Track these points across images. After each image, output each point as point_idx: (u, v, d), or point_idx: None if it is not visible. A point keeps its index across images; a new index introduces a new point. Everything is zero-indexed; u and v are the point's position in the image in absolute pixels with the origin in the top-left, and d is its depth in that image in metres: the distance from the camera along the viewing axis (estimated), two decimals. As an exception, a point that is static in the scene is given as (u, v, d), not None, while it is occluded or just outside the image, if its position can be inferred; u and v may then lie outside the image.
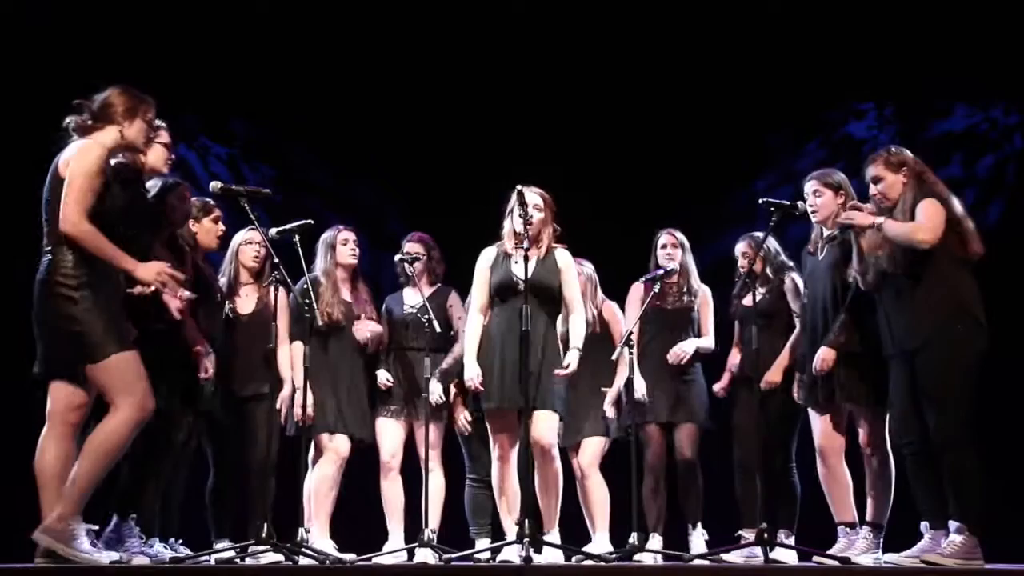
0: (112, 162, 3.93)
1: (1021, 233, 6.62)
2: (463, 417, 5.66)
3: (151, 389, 3.89)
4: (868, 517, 4.77)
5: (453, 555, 4.93)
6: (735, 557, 5.13)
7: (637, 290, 5.65)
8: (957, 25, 6.87)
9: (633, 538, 5.08)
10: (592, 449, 5.60)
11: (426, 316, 5.31)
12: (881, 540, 4.74)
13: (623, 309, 5.78)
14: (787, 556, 5.03)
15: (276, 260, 4.81)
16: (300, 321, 5.23)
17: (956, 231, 4.40)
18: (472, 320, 4.98)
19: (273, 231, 4.93)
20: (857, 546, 4.71)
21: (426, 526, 5.17)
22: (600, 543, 5.48)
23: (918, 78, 7.14)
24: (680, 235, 5.75)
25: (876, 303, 4.59)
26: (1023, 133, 7.11)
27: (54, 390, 3.92)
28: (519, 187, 4.78)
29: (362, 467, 5.77)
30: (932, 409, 4.33)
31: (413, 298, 5.67)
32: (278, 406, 5.30)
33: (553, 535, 4.77)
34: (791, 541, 5.22)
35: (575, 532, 5.45)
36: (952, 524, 4.28)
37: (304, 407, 5.01)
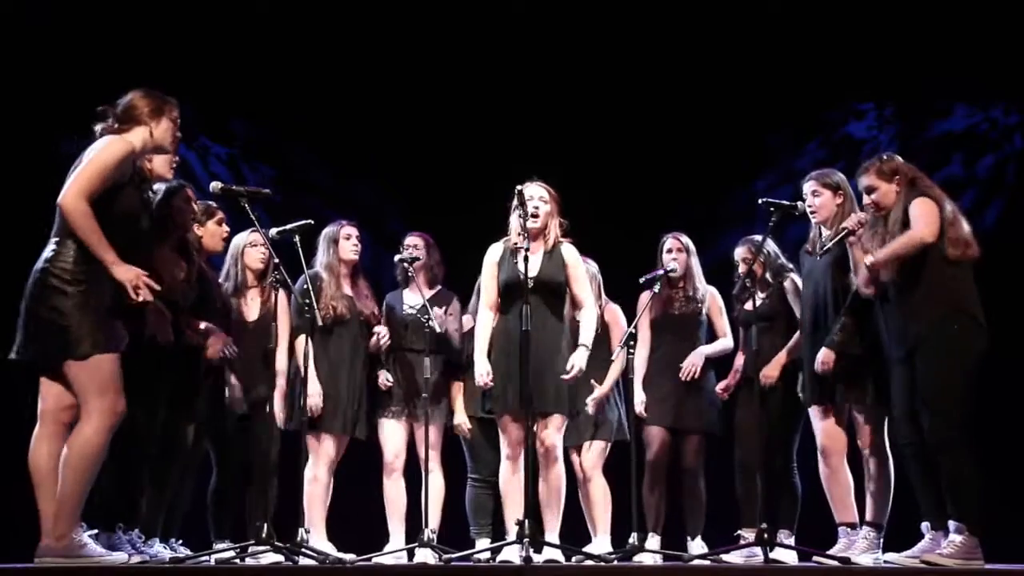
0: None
1: (1021, 233, 6.62)
2: (463, 424, 5.66)
3: (124, 394, 3.84)
4: (868, 517, 4.77)
5: (453, 555, 4.94)
6: (735, 557, 5.13)
7: (645, 297, 5.63)
8: (957, 25, 6.87)
9: (633, 538, 5.09)
10: (594, 452, 5.59)
11: (426, 317, 5.31)
12: (881, 540, 4.74)
13: (624, 310, 5.79)
14: (787, 556, 5.03)
15: (276, 260, 4.81)
16: (301, 321, 5.24)
17: (947, 234, 4.40)
18: (482, 317, 4.93)
19: (273, 231, 4.93)
20: (857, 546, 4.71)
21: (426, 526, 5.17)
22: (601, 545, 5.48)
23: (918, 78, 7.14)
24: (685, 239, 5.75)
25: (877, 304, 4.59)
26: (1023, 133, 7.11)
27: (45, 389, 3.91)
28: (519, 187, 4.78)
29: (362, 467, 5.77)
30: (927, 409, 4.33)
31: (413, 298, 5.67)
32: (277, 408, 5.31)
33: (553, 535, 4.77)
34: (791, 541, 5.22)
35: (575, 532, 5.45)
36: (951, 524, 4.28)
37: (308, 397, 5.01)
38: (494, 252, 4.97)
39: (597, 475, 5.59)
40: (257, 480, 5.24)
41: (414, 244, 5.77)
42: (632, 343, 5.31)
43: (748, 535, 5.16)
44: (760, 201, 4.85)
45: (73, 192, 3.77)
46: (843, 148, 7.44)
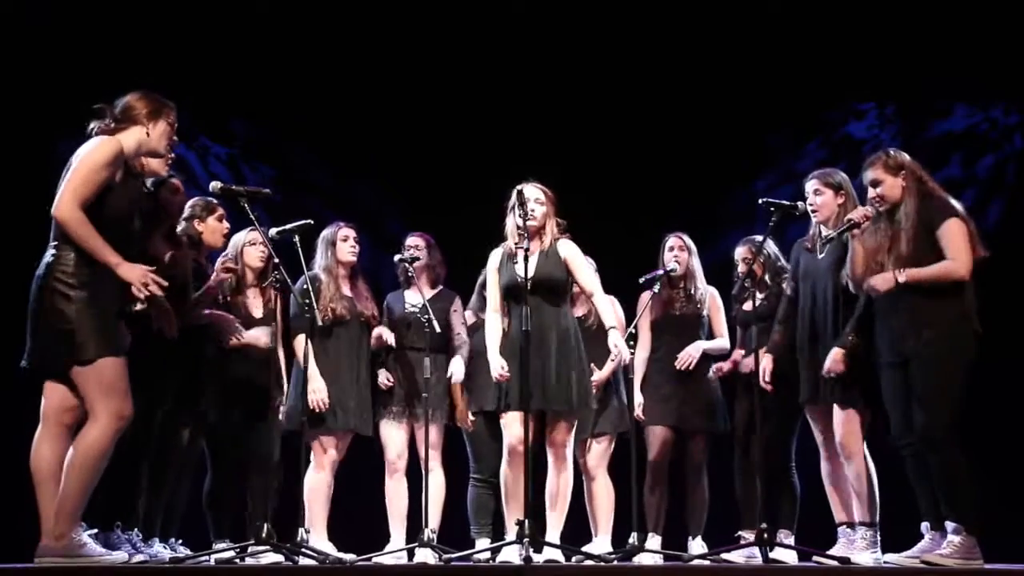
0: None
1: (1021, 233, 6.62)
2: (465, 414, 5.67)
3: (131, 398, 3.85)
4: (858, 517, 4.76)
5: (453, 555, 4.94)
6: (735, 557, 5.13)
7: (645, 298, 5.63)
8: (957, 25, 6.87)
9: (633, 538, 5.09)
10: (597, 449, 5.59)
11: (426, 316, 5.31)
12: (878, 537, 4.74)
13: (624, 311, 5.80)
14: (787, 556, 5.03)
15: (276, 260, 4.81)
16: (300, 321, 5.24)
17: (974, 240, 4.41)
18: (491, 321, 4.96)
19: (273, 231, 4.93)
20: (856, 546, 4.71)
21: (426, 526, 5.17)
22: (601, 544, 5.48)
23: (918, 78, 7.13)
24: (688, 239, 5.75)
25: (871, 306, 4.59)
26: (1023, 133, 7.11)
27: (48, 390, 3.91)
28: (518, 187, 4.78)
29: (362, 467, 5.77)
30: (920, 409, 4.33)
31: (414, 298, 5.67)
32: (278, 404, 5.31)
33: (555, 536, 4.77)
34: (791, 541, 5.21)
35: (575, 532, 5.45)
36: (949, 525, 4.28)
37: (312, 393, 5.01)
38: (494, 258, 5.00)
39: (602, 473, 5.59)
40: (258, 480, 5.23)
41: (415, 244, 5.77)
42: (632, 343, 5.31)
43: (748, 536, 5.16)
44: (760, 201, 4.85)
45: (66, 201, 3.77)
46: (843, 148, 7.44)
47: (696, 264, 5.77)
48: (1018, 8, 6.71)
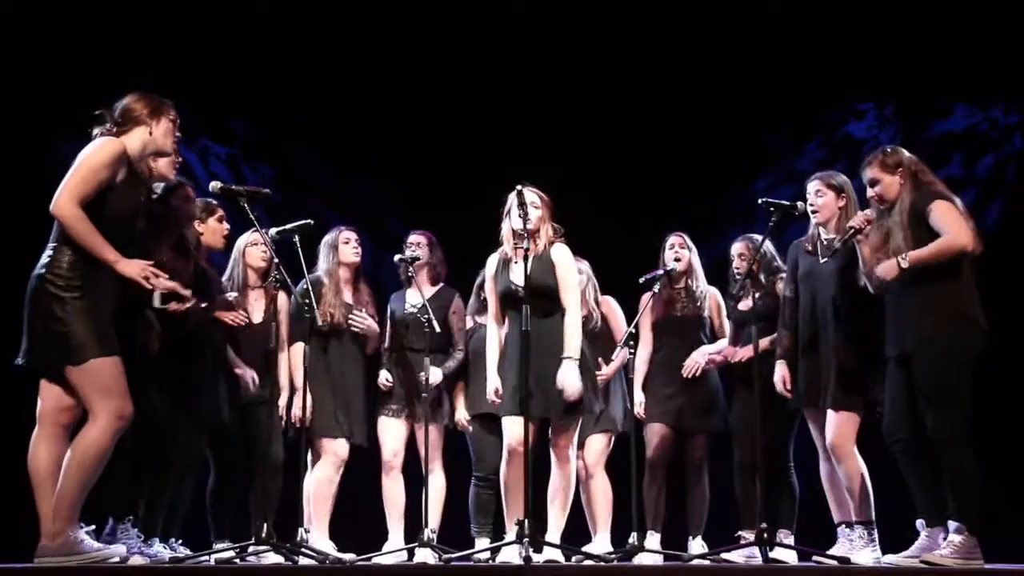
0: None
1: (1021, 233, 6.62)
2: (463, 418, 5.68)
3: (130, 396, 3.85)
4: (854, 517, 4.77)
5: (453, 555, 4.94)
6: (735, 557, 5.13)
7: (646, 298, 5.63)
8: (957, 25, 6.87)
9: (633, 538, 5.09)
10: (596, 447, 5.60)
11: (426, 316, 5.31)
12: (876, 535, 4.74)
13: (624, 311, 5.81)
14: (787, 556, 5.03)
15: (276, 261, 4.81)
16: (300, 321, 5.24)
17: None
18: (490, 331, 4.98)
19: (273, 231, 4.93)
20: (855, 545, 4.71)
21: (426, 526, 5.17)
22: (601, 543, 5.48)
23: (918, 78, 7.13)
24: (688, 239, 5.76)
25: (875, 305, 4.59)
26: (1023, 133, 7.11)
27: (44, 391, 3.91)
28: (518, 187, 4.78)
29: (362, 467, 5.77)
30: (929, 409, 4.33)
31: (415, 298, 5.67)
32: (280, 412, 5.33)
33: (553, 535, 4.77)
34: (791, 541, 5.21)
35: (575, 532, 5.45)
36: (951, 524, 4.28)
37: (304, 409, 5.02)
38: (490, 265, 5.01)
39: (599, 472, 5.60)
40: (258, 480, 5.24)
41: (417, 243, 5.78)
42: (632, 342, 5.31)
43: (748, 536, 5.16)
44: (760, 201, 4.85)
45: (64, 198, 3.77)
46: (843, 148, 7.44)
47: (697, 263, 5.77)
48: (1018, 8, 6.71)
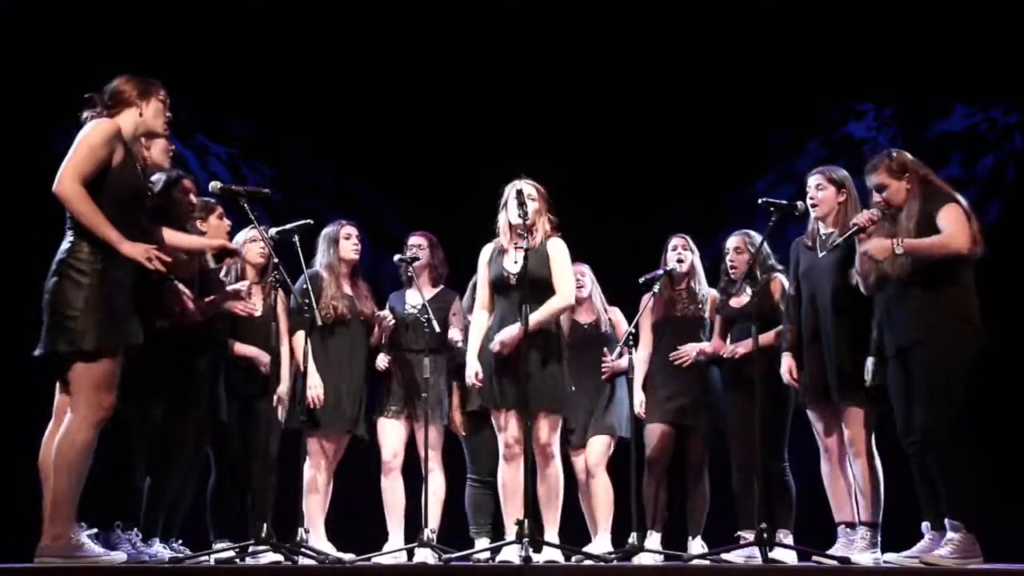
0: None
1: (1021, 233, 6.62)
2: (458, 419, 5.68)
3: (115, 392, 3.83)
4: (862, 517, 4.76)
5: (452, 555, 4.94)
6: (735, 557, 5.13)
7: (647, 299, 5.64)
8: (957, 25, 6.87)
9: (633, 538, 5.09)
10: (597, 448, 5.60)
11: (426, 317, 5.31)
12: (879, 538, 4.73)
13: (624, 311, 5.82)
14: (786, 556, 5.02)
15: (276, 260, 4.81)
16: (300, 317, 5.24)
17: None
18: (476, 318, 4.98)
19: (273, 231, 4.93)
20: (856, 545, 4.71)
21: (425, 526, 5.17)
22: (601, 544, 5.48)
23: (918, 78, 7.13)
24: (691, 241, 5.76)
25: (874, 304, 4.58)
26: (1023, 133, 7.11)
27: (59, 386, 3.89)
28: (516, 182, 4.78)
29: (362, 467, 5.77)
30: (922, 407, 4.33)
31: (415, 298, 5.67)
32: (283, 401, 5.33)
33: (553, 535, 4.77)
34: (790, 541, 5.21)
35: (575, 532, 5.45)
36: (948, 523, 4.28)
37: (309, 389, 5.03)
38: (485, 253, 5.01)
39: (601, 472, 5.60)
40: (257, 479, 5.23)
41: (417, 244, 5.78)
42: (632, 342, 5.32)
43: (748, 536, 5.16)
44: (760, 201, 4.84)
45: (66, 177, 3.77)
46: (843, 148, 7.44)
47: (698, 265, 5.77)
48: (1018, 8, 6.71)
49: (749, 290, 5.04)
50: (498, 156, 6.80)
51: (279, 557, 4.76)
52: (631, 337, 5.39)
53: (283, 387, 5.37)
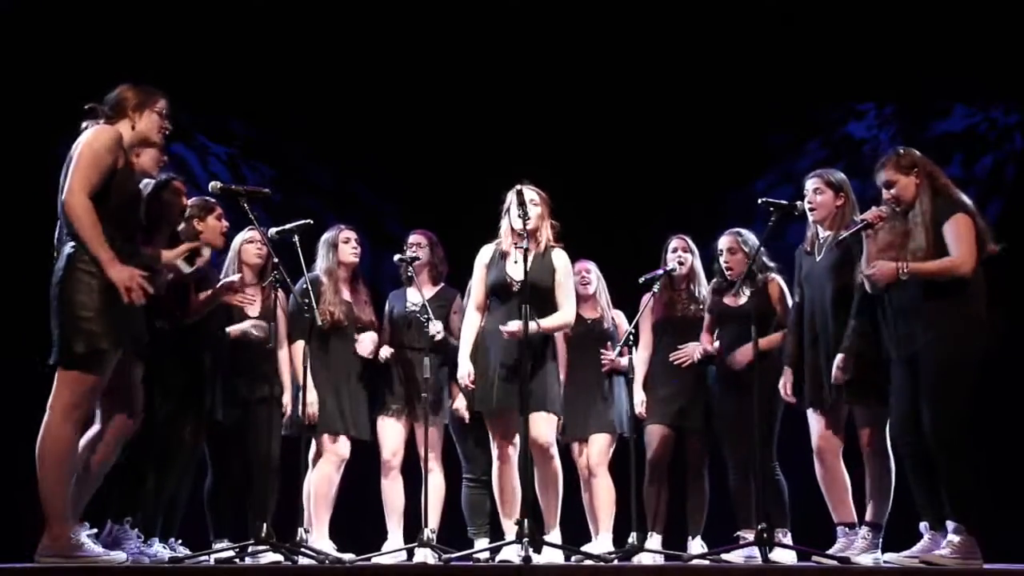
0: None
1: (1020, 233, 6.61)
2: (461, 409, 5.68)
3: (97, 396, 3.86)
4: (868, 517, 4.76)
5: (452, 555, 4.94)
6: (735, 557, 5.13)
7: (646, 299, 5.64)
8: (957, 25, 6.87)
9: (633, 538, 5.09)
10: (599, 447, 5.61)
11: (426, 316, 5.31)
12: (880, 540, 4.73)
13: (623, 311, 5.82)
14: (785, 556, 5.02)
15: (276, 260, 4.81)
16: (300, 319, 5.25)
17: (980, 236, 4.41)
18: (469, 318, 4.99)
19: (272, 231, 4.94)
20: (856, 546, 4.71)
21: (425, 526, 5.17)
22: (602, 543, 5.48)
23: (918, 78, 7.13)
24: (690, 241, 5.76)
25: (879, 304, 4.58)
26: (1023, 133, 7.11)
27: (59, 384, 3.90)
28: (518, 186, 4.79)
29: (362, 467, 5.77)
30: (929, 408, 4.33)
31: (415, 297, 5.67)
32: (285, 410, 5.33)
33: (553, 535, 4.77)
34: (788, 540, 5.21)
35: (575, 532, 5.45)
36: (949, 524, 4.28)
37: (306, 405, 5.03)
38: (484, 254, 5.01)
39: (602, 472, 5.60)
40: (257, 480, 5.24)
41: (417, 243, 5.78)
42: (632, 343, 5.32)
43: (748, 536, 5.16)
44: (760, 201, 4.84)
45: (76, 190, 3.78)
46: (843, 148, 7.44)
47: (698, 266, 5.77)
48: (1018, 8, 6.71)
49: (747, 290, 5.04)
50: (498, 155, 6.84)
51: (279, 557, 4.76)
52: (631, 337, 5.39)
53: (285, 397, 5.38)
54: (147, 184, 4.57)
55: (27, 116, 6.52)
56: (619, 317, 5.86)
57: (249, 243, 5.42)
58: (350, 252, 5.64)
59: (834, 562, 4.55)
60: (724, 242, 5.52)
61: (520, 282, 4.70)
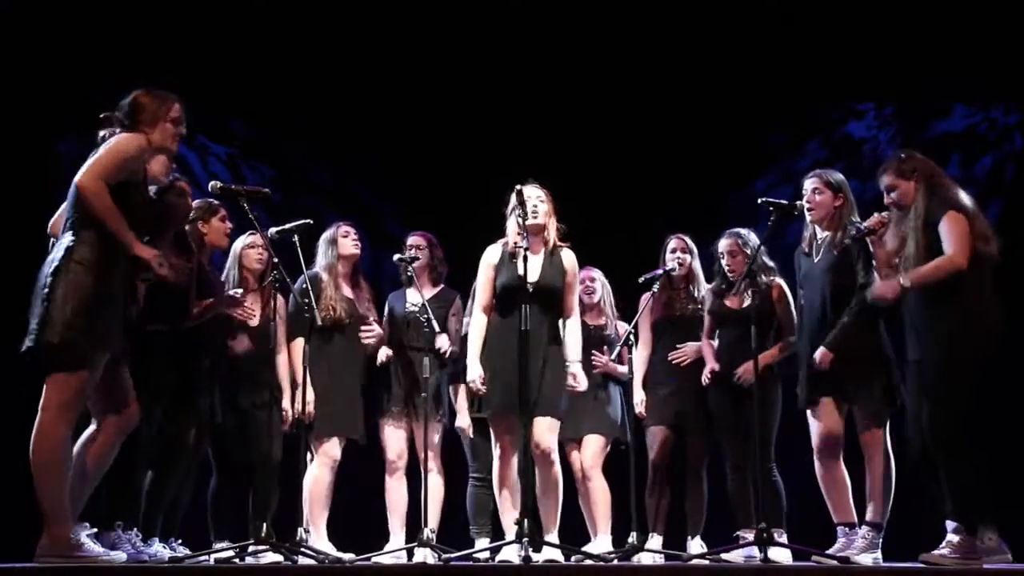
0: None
1: (1020, 233, 6.62)
2: (466, 427, 5.67)
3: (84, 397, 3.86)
4: (868, 517, 4.76)
5: (452, 555, 4.94)
6: (734, 557, 5.13)
7: (645, 299, 5.65)
8: (957, 25, 6.87)
9: (632, 538, 5.09)
10: (593, 449, 5.61)
11: (425, 316, 5.31)
12: (880, 540, 4.73)
13: (622, 312, 5.84)
14: (781, 555, 5.01)
15: (276, 260, 4.81)
16: (299, 319, 5.25)
17: (978, 234, 4.41)
18: (476, 319, 4.93)
19: (273, 231, 4.94)
20: (856, 545, 4.71)
21: (425, 526, 5.17)
22: (601, 544, 5.48)
23: (918, 78, 7.13)
24: (689, 241, 5.76)
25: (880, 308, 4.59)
26: (1023, 133, 7.11)
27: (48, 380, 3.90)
28: (518, 187, 4.78)
29: (362, 467, 5.77)
30: (927, 408, 4.34)
31: (415, 297, 5.67)
32: (285, 412, 5.34)
33: (552, 535, 4.77)
34: (784, 540, 5.20)
35: (575, 532, 5.44)
36: (949, 524, 4.28)
37: (304, 404, 5.03)
38: (491, 254, 4.96)
39: (596, 474, 5.59)
40: (258, 480, 5.24)
41: (416, 244, 5.78)
42: (631, 342, 5.32)
43: (747, 536, 5.16)
44: (760, 201, 4.85)
45: (91, 173, 3.78)
46: (843, 148, 7.44)
47: (697, 266, 5.77)
48: (1018, 8, 6.71)
49: (747, 291, 5.04)
50: (498, 156, 6.84)
51: (279, 557, 4.76)
52: (631, 337, 5.38)
53: (287, 395, 5.39)
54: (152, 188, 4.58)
55: (27, 116, 6.52)
56: (623, 328, 5.83)
57: (250, 248, 5.42)
58: (351, 244, 5.64)
59: (834, 562, 4.55)
60: (724, 245, 5.51)
61: (533, 284, 4.68)
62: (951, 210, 4.41)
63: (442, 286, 5.85)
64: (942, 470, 4.32)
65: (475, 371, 4.78)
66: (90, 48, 6.69)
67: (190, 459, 4.97)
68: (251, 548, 4.66)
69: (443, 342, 5.49)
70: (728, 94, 7.34)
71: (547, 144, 7.17)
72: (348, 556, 5.10)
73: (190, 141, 7.28)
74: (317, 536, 5.34)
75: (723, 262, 5.50)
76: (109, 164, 3.80)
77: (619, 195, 7.29)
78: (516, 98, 7.32)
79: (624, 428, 5.68)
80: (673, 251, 5.71)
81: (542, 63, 7.38)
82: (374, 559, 5.18)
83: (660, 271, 5.55)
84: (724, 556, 5.10)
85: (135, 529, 4.56)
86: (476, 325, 4.91)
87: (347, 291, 5.60)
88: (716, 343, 5.55)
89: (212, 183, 4.63)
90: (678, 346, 5.61)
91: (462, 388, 5.72)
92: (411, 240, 5.81)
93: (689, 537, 5.58)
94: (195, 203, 5.05)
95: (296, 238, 4.93)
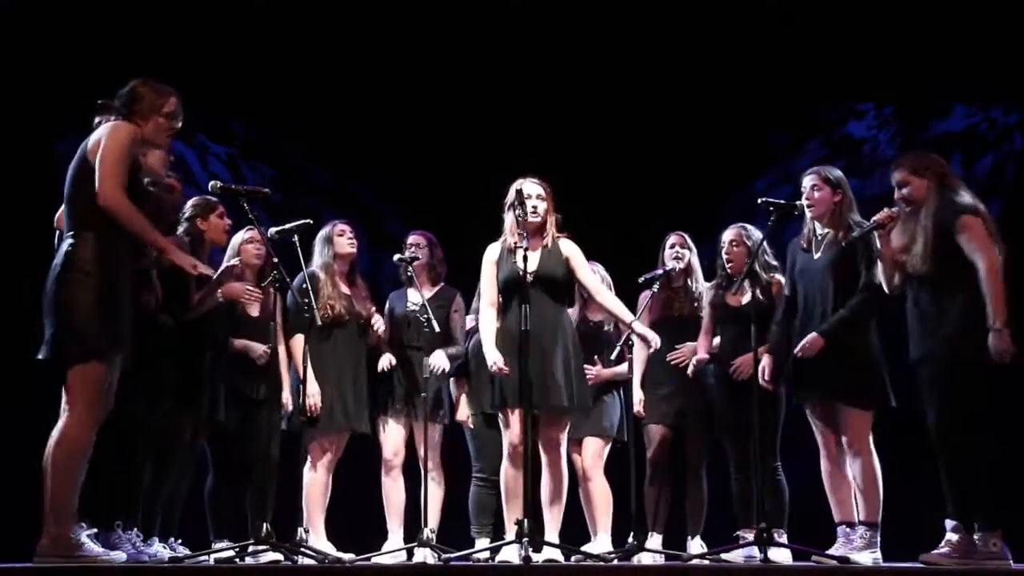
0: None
1: (1021, 233, 6.62)
2: (468, 419, 5.67)
3: (106, 395, 3.86)
4: (861, 516, 4.75)
5: (452, 555, 4.94)
6: (734, 557, 5.13)
7: (644, 297, 5.64)
8: (957, 25, 6.87)
9: (632, 538, 5.09)
10: (593, 449, 5.60)
11: (425, 316, 5.31)
12: (878, 538, 4.73)
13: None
14: (781, 555, 5.01)
15: (275, 259, 4.81)
16: (299, 318, 5.25)
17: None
18: (485, 315, 4.93)
19: (272, 231, 4.94)
20: (854, 544, 4.70)
21: (425, 525, 5.17)
22: (601, 544, 5.48)
23: (918, 78, 7.13)
24: (688, 238, 5.76)
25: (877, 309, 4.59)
26: (1023, 133, 7.11)
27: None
28: (517, 185, 4.78)
29: (362, 467, 5.77)
30: (932, 408, 4.34)
31: (415, 297, 5.67)
32: (286, 407, 5.33)
33: (554, 534, 4.77)
34: (784, 540, 5.20)
35: (575, 532, 5.44)
36: (948, 523, 4.29)
37: (307, 397, 5.05)
38: (492, 252, 4.98)
39: (597, 474, 5.59)
40: (257, 479, 5.24)
41: (416, 243, 5.78)
42: (631, 342, 5.32)
43: (747, 536, 5.16)
44: (760, 200, 4.85)
45: (110, 188, 3.79)
46: (843, 148, 7.44)
47: (696, 263, 5.77)
48: (1018, 8, 6.71)
49: (749, 290, 5.04)
50: (498, 155, 6.83)
51: (279, 557, 4.76)
52: (630, 337, 5.38)
53: (285, 393, 5.39)
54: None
55: (27, 116, 6.52)
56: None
57: (248, 243, 5.42)
58: (347, 243, 5.64)
59: (833, 562, 4.55)
60: (728, 234, 5.51)
61: (533, 273, 4.69)
62: (964, 215, 4.40)
63: (442, 285, 5.85)
64: (942, 469, 4.32)
65: (493, 356, 4.75)
66: (90, 48, 6.68)
67: (187, 456, 4.97)
68: (251, 548, 4.66)
69: (436, 360, 5.49)
70: (728, 94, 7.34)
71: (547, 144, 7.17)
72: (348, 556, 5.10)
73: (190, 140, 7.29)
74: (316, 536, 5.34)
75: (724, 252, 5.48)
76: (115, 167, 3.81)
77: (619, 195, 7.29)
78: (516, 98, 7.32)
79: (623, 429, 5.67)
80: (672, 247, 5.71)
81: (542, 63, 7.39)
82: (374, 559, 5.18)
83: (660, 271, 5.55)
84: (724, 556, 5.10)
85: (135, 529, 4.55)
86: (486, 318, 4.91)
87: (344, 288, 5.61)
88: (717, 340, 5.54)
89: (212, 183, 4.63)
90: (677, 346, 5.61)
91: (460, 383, 5.74)
92: (411, 239, 5.81)
93: (689, 537, 5.58)
94: (194, 200, 5.06)
95: (296, 238, 4.93)
